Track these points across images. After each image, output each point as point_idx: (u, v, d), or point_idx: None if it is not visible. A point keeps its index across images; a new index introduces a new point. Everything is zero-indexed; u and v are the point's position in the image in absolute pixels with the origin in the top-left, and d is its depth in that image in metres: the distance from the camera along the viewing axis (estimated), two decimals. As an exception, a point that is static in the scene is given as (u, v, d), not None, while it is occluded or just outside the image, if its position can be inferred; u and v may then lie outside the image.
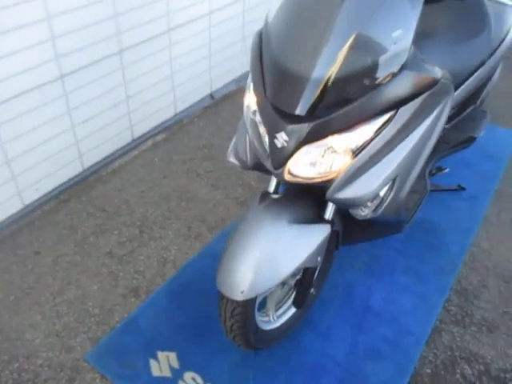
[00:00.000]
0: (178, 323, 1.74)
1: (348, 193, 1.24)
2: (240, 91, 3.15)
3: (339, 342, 1.70)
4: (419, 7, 1.14)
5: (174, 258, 2.03)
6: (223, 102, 3.06)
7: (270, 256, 1.28)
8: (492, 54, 1.86)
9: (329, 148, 1.17)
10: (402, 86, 1.15)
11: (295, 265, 1.29)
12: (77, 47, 2.00)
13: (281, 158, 1.20)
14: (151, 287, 1.90)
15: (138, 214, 2.23)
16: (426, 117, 1.28)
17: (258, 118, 1.26)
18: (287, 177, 1.23)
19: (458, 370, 1.66)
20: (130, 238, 2.11)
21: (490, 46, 1.83)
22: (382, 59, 1.11)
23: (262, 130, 1.26)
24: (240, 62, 3.09)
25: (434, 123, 1.31)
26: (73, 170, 2.28)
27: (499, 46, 1.91)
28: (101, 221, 2.18)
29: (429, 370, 1.66)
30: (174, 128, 2.77)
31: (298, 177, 1.23)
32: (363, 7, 1.11)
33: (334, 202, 1.29)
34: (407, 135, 1.25)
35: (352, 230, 1.57)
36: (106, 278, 1.93)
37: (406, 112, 1.18)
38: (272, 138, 1.19)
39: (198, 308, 1.80)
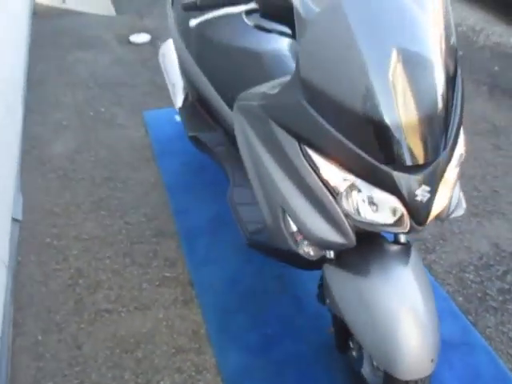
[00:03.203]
0: None
1: (453, 204, 1.23)
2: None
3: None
4: None
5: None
6: (28, 220, 2.28)
7: (415, 307, 1.21)
8: None
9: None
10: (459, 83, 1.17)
11: (432, 296, 1.25)
12: None
13: (426, 210, 1.10)
14: None
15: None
16: None
17: (367, 189, 1.09)
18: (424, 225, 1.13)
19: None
20: None
21: None
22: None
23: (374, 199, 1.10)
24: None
25: None
26: None
27: None
28: None
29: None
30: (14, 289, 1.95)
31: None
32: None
33: (445, 219, 1.25)
34: None
35: None
36: None
37: None
38: (413, 197, 1.06)
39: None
